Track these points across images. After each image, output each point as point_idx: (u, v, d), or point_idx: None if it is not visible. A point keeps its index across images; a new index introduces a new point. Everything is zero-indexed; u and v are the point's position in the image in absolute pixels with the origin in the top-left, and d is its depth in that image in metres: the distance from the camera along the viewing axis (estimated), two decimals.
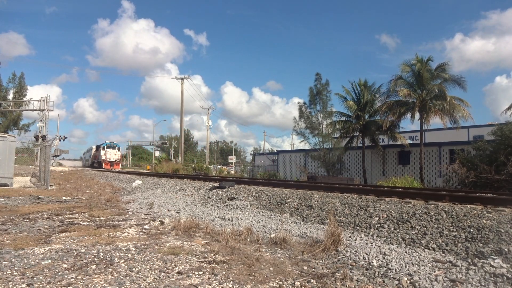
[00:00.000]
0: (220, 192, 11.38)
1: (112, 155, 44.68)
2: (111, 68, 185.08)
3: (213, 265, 4.44)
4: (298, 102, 40.74)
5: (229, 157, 75.16)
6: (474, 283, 3.87)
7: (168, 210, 9.38)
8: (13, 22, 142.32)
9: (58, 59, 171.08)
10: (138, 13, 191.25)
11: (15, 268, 4.17)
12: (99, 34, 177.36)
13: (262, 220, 7.66)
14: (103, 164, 44.18)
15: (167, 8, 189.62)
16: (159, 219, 7.96)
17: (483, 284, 3.85)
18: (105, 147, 45.70)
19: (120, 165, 44.70)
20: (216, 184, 12.83)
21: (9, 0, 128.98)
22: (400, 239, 5.57)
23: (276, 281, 3.95)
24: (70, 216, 8.47)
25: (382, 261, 4.67)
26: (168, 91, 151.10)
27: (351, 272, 4.29)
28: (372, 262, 4.66)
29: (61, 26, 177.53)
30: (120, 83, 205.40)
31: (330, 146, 32.76)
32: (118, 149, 46.31)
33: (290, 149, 58.42)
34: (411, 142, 31.30)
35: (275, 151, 53.62)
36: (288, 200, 8.93)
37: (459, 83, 23.31)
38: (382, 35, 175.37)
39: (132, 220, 7.91)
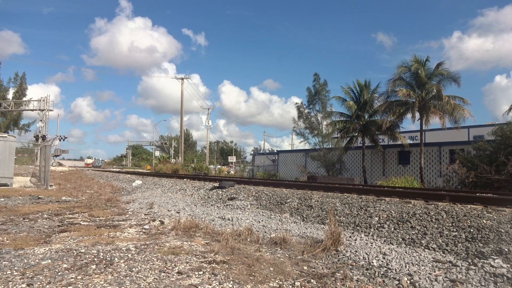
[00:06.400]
0: (220, 192, 11.38)
1: (88, 161, 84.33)
2: (108, 67, 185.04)
3: (213, 265, 4.43)
4: (296, 103, 40.76)
5: (229, 157, 75.07)
6: (474, 283, 3.87)
7: (168, 210, 9.38)
8: (9, 22, 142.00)
9: (53, 58, 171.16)
10: (136, 13, 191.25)
11: (15, 268, 4.17)
12: (96, 33, 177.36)
13: (262, 220, 7.66)
14: (85, 164, 79.27)
15: (166, 8, 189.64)
16: (159, 219, 7.96)
17: (483, 284, 3.84)
18: (87, 158, 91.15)
19: (92, 165, 78.69)
20: (216, 184, 12.83)
21: (7, 0, 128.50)
22: (400, 239, 5.57)
23: (276, 281, 3.95)
24: (70, 216, 8.47)
25: (382, 261, 4.67)
26: (165, 91, 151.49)
27: (351, 272, 4.29)
28: (372, 262, 4.65)
29: (58, 26, 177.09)
30: (117, 82, 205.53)
31: (330, 146, 32.75)
32: (92, 159, 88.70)
33: (290, 149, 58.42)
34: (411, 142, 31.29)
35: (275, 151, 53.68)
36: (288, 200, 8.93)
37: (455, 79, 23.43)
38: (378, 33, 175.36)
39: (132, 220, 7.91)
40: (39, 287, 3.60)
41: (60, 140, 47.40)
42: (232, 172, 52.14)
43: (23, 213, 8.56)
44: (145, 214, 8.81)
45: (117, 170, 46.32)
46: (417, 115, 24.33)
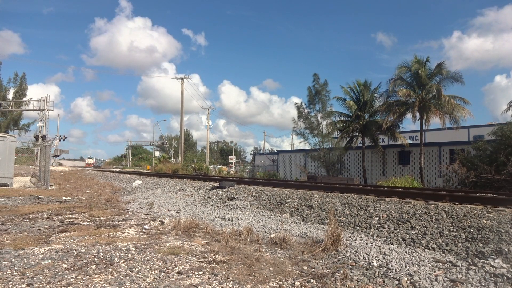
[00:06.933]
0: (220, 192, 11.38)
1: (89, 161, 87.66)
2: (107, 67, 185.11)
3: (213, 265, 4.43)
4: (296, 103, 40.74)
5: (229, 157, 75.03)
6: (474, 283, 3.87)
7: (168, 210, 9.38)
8: (9, 22, 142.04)
9: (53, 58, 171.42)
10: (136, 13, 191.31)
11: (15, 268, 4.17)
12: (96, 33, 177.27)
13: (262, 220, 7.66)
14: (86, 164, 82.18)
15: (166, 8, 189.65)
16: (159, 219, 7.96)
17: (483, 284, 3.84)
18: (88, 158, 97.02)
19: (92, 165, 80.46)
20: (216, 184, 12.83)
21: (6, 0, 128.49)
22: (400, 239, 5.57)
23: (276, 281, 3.95)
24: (70, 216, 8.47)
25: (382, 261, 4.67)
26: (165, 91, 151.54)
27: (351, 272, 4.29)
28: (372, 262, 4.65)
29: (58, 26, 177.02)
30: (117, 82, 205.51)
31: (330, 146, 32.75)
32: (93, 159, 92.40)
33: (290, 149, 58.42)
34: (411, 142, 31.28)
35: (275, 151, 53.67)
36: (288, 200, 8.93)
37: (456, 78, 23.45)
38: (378, 33, 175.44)
39: (132, 220, 7.91)
40: (39, 287, 3.60)
41: (60, 140, 47.43)
42: (232, 172, 52.13)
43: (23, 213, 8.56)
44: (145, 214, 8.81)
45: (117, 170, 46.34)
46: (417, 115, 24.34)
